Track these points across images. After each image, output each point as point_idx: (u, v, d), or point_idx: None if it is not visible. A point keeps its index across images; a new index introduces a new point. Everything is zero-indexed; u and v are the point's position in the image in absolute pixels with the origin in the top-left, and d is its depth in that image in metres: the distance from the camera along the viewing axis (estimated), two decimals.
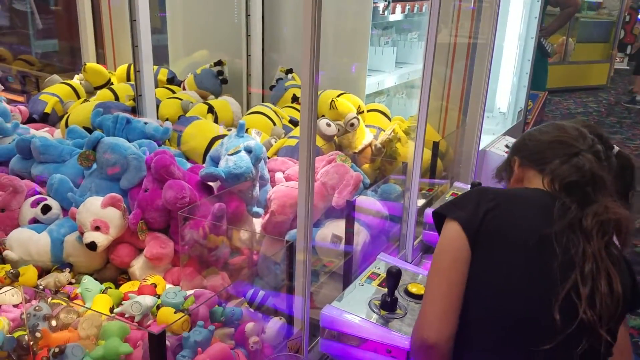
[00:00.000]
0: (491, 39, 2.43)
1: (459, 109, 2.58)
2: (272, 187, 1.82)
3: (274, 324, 1.26)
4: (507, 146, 2.72)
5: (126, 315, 1.25)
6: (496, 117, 3.28)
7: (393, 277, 1.34)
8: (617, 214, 1.15)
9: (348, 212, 1.70)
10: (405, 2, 2.79)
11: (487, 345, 1.15)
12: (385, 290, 1.39)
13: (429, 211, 2.06)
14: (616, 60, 10.59)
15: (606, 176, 1.22)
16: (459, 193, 2.13)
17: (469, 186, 2.05)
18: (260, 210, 1.75)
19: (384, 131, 2.42)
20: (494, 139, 2.80)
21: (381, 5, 2.57)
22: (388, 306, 1.35)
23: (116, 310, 1.29)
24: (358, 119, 2.32)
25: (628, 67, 9.74)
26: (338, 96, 2.45)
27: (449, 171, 2.51)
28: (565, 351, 1.09)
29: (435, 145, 2.29)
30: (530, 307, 1.12)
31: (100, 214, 1.48)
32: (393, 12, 2.72)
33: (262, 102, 2.87)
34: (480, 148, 2.57)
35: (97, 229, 1.48)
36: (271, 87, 2.83)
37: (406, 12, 2.82)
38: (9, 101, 2.48)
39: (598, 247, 1.13)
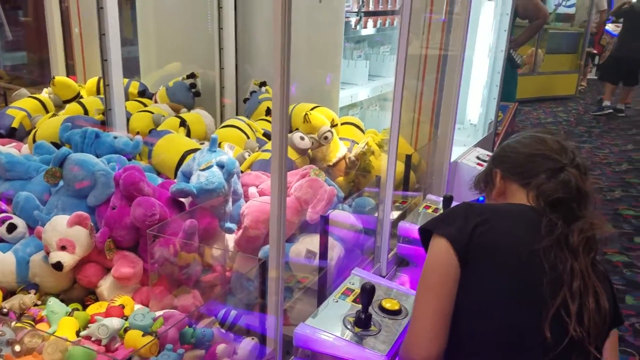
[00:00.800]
0: (461, 51, 2.46)
1: (431, 121, 2.61)
2: (246, 202, 1.81)
3: (246, 345, 1.23)
4: (478, 157, 2.75)
5: (93, 339, 1.22)
6: (467, 128, 3.32)
7: (367, 293, 1.33)
8: (603, 230, 1.17)
9: (322, 226, 1.69)
10: (377, 16, 2.82)
11: None
12: (360, 306, 1.38)
13: (403, 224, 2.06)
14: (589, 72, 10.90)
15: (590, 190, 1.23)
16: (432, 205, 2.15)
17: (441, 199, 2.06)
18: (233, 226, 1.73)
19: (358, 144, 2.43)
20: (466, 151, 2.83)
21: (353, 20, 2.59)
22: (362, 323, 1.34)
23: (82, 333, 1.25)
24: (332, 132, 2.32)
25: (596, 77, 10.02)
26: (312, 109, 2.45)
27: (422, 183, 2.52)
28: None
29: (408, 158, 2.30)
30: (521, 324, 1.13)
31: (66, 233, 1.44)
32: (365, 26, 2.75)
33: (236, 114, 2.86)
34: (452, 160, 2.60)
35: (63, 248, 1.44)
36: (245, 100, 2.82)
37: (378, 26, 2.85)
38: None
39: (585, 264, 1.13)
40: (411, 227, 2.03)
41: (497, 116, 3.49)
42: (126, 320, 1.28)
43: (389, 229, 2.00)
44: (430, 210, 2.12)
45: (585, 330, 1.09)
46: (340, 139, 2.45)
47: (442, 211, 2.00)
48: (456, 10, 2.50)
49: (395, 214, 2.17)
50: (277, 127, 1.17)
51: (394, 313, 1.43)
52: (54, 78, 2.69)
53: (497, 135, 3.67)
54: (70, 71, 3.25)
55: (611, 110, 8.68)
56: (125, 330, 1.23)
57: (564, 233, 1.15)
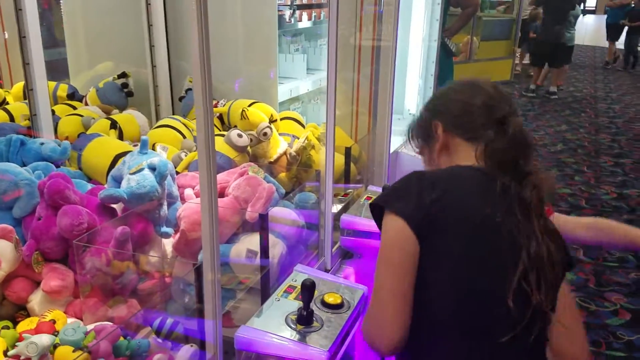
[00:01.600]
0: (393, 41, 2.49)
1: (369, 112, 2.63)
2: (182, 204, 1.76)
3: (185, 352, 1.21)
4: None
5: (22, 358, 1.16)
6: (406, 118, 3.37)
7: (307, 289, 1.33)
8: (549, 181, 1.15)
9: (262, 225, 1.67)
10: (311, 9, 2.81)
11: (445, 342, 1.12)
12: (302, 303, 1.37)
13: (346, 217, 2.07)
14: (523, 60, 11.33)
15: (532, 141, 1.20)
16: (374, 196, 2.16)
17: (382, 189, 2.08)
18: (170, 230, 1.69)
19: (298, 139, 2.42)
20: (405, 140, 2.87)
21: (287, 13, 2.57)
22: (304, 320, 1.34)
23: (10, 353, 1.19)
24: (271, 128, 2.30)
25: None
26: (249, 105, 2.42)
27: (363, 175, 2.54)
28: (524, 337, 1.09)
29: (348, 150, 2.31)
30: (484, 297, 1.10)
31: None
32: (300, 20, 2.73)
33: (172, 114, 2.78)
34: (391, 150, 2.63)
35: None
36: (180, 99, 2.75)
37: (313, 19, 2.84)
38: None
39: (538, 226, 1.10)
40: (353, 220, 2.04)
41: None
42: (57, 336, 1.22)
43: (332, 222, 2.00)
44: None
45: (544, 295, 1.08)
46: (280, 134, 2.44)
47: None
48: (387, 1, 2.52)
49: (338, 207, 2.18)
50: (201, 123, 1.13)
51: (336, 307, 1.43)
52: None
53: None
54: None
55: (535, 93, 9.13)
56: (56, 346, 1.18)
57: (516, 194, 1.11)
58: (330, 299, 1.46)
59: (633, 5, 11.46)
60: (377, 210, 1.18)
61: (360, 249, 2.08)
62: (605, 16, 12.54)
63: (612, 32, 11.94)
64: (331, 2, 1.73)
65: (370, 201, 1.22)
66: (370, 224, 1.97)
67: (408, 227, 1.09)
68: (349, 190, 2.35)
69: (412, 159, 2.67)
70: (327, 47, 1.80)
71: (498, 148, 1.16)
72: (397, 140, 2.81)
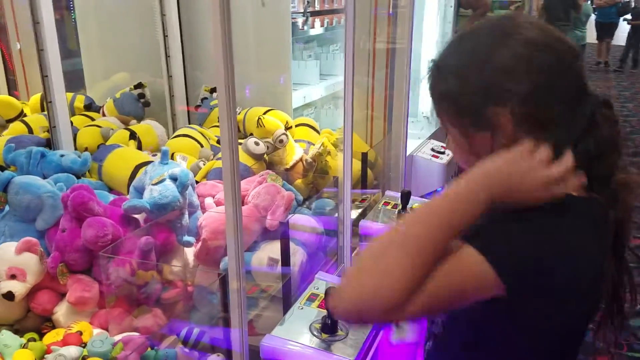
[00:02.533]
0: (408, 44, 2.49)
1: (384, 116, 2.63)
2: (203, 213, 1.77)
3: None
4: (433, 149, 2.79)
5: None
6: (421, 121, 3.37)
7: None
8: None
9: (282, 232, 1.68)
10: (324, 15, 2.82)
11: None
12: (326, 311, 1.37)
13: (364, 222, 2.07)
14: None
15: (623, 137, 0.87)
16: (391, 202, 2.16)
17: (399, 195, 2.08)
18: (192, 239, 1.70)
19: (314, 145, 2.42)
20: (420, 144, 2.87)
21: (300, 21, 2.58)
22: (329, 328, 1.34)
23: None
24: (287, 135, 2.30)
25: None
26: (265, 113, 2.43)
27: (380, 180, 2.54)
28: None
29: (364, 155, 2.31)
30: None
31: (15, 261, 1.38)
32: (312, 26, 2.74)
33: (188, 122, 2.80)
34: (407, 154, 2.63)
35: (13, 277, 1.38)
36: (196, 107, 2.76)
37: (325, 25, 2.85)
38: None
39: (626, 263, 0.89)
40: (372, 225, 2.04)
41: None
42: (85, 347, 1.23)
43: (350, 228, 2.00)
44: (389, 207, 2.14)
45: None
46: (296, 140, 2.44)
47: (400, 207, 2.01)
48: (401, 4, 2.52)
49: (356, 213, 2.18)
50: (225, 134, 1.13)
51: None
52: None
53: None
54: (12, 87, 3.12)
55: None
56: (84, 358, 1.19)
57: (613, 221, 0.84)
58: None
59: (621, 3, 11.04)
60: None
61: None
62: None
63: (604, 32, 11.47)
64: (348, 8, 1.74)
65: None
66: None
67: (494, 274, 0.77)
68: (366, 196, 2.35)
69: (428, 163, 2.67)
70: (344, 54, 1.80)
71: (594, 149, 0.83)
72: (413, 144, 2.80)
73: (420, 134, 3.14)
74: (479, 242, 0.77)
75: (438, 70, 0.90)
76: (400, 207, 2.03)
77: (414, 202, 2.06)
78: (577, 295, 0.82)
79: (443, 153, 2.75)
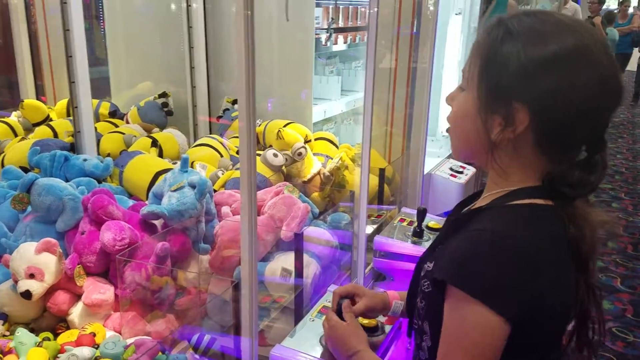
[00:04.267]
0: (430, 63, 2.50)
1: (403, 134, 2.64)
2: (219, 221, 1.79)
3: None
4: (451, 169, 2.78)
5: None
6: (439, 140, 3.37)
7: (342, 312, 1.32)
8: (609, 225, 0.91)
9: (296, 244, 1.68)
10: (347, 32, 2.85)
11: None
12: None
13: (379, 238, 2.07)
14: None
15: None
16: (407, 218, 2.16)
17: (415, 212, 2.07)
18: (207, 247, 1.71)
19: (332, 159, 2.44)
20: (439, 162, 2.87)
21: (323, 37, 2.61)
22: None
23: None
24: (305, 148, 2.32)
25: None
26: (285, 126, 2.46)
27: (397, 196, 2.54)
28: None
29: (382, 171, 2.32)
30: None
31: (34, 260, 1.41)
32: (335, 43, 2.77)
33: (209, 132, 2.84)
34: (425, 172, 2.63)
35: (31, 276, 1.40)
36: (218, 118, 2.81)
37: (348, 42, 2.88)
38: None
39: (594, 280, 0.92)
40: (387, 241, 2.03)
41: None
42: (97, 348, 1.25)
43: (365, 243, 2.00)
44: (405, 224, 2.13)
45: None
46: (315, 154, 2.46)
47: (416, 224, 2.00)
48: (424, 24, 2.54)
49: (371, 228, 2.18)
50: (244, 143, 1.15)
51: (371, 330, 1.42)
52: (22, 101, 2.65)
53: None
54: (39, 92, 3.20)
55: None
56: (96, 359, 1.20)
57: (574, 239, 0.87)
58: (365, 321, 1.44)
59: (636, 32, 9.92)
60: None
61: (393, 271, 2.06)
62: None
63: (618, 62, 10.87)
64: (370, 26, 1.76)
65: (438, 275, 0.89)
66: (403, 246, 1.96)
67: (507, 327, 0.81)
68: (382, 212, 2.35)
69: (446, 182, 2.66)
70: (365, 70, 1.82)
71: (592, 179, 0.85)
72: (431, 162, 2.80)
73: (439, 153, 3.14)
74: (473, 286, 0.80)
75: (506, 32, 0.84)
76: (415, 224, 2.02)
77: (430, 219, 2.05)
78: (563, 310, 0.87)
79: (461, 172, 2.74)
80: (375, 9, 1.82)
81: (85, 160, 1.96)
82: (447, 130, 0.97)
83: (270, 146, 2.36)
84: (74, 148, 2.16)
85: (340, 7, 2.73)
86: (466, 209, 1.01)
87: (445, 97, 0.97)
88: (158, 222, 1.65)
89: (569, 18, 0.85)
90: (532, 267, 0.81)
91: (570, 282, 0.88)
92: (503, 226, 0.84)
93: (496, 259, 0.81)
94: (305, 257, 1.71)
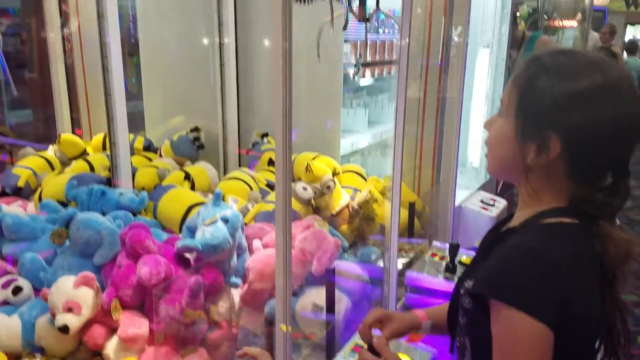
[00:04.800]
0: (459, 94, 2.51)
1: (433, 166, 2.63)
2: (250, 255, 1.80)
3: None
4: (482, 201, 2.75)
5: None
6: (469, 171, 3.34)
7: (375, 352, 1.30)
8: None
9: (328, 279, 1.68)
10: (375, 66, 2.89)
11: None
12: None
13: (410, 273, 2.05)
14: None
15: None
16: (438, 253, 2.14)
17: (447, 246, 2.05)
18: (239, 281, 1.73)
19: (361, 192, 2.44)
20: (469, 195, 2.84)
21: (351, 71, 2.65)
22: None
23: None
24: (334, 182, 2.33)
25: None
26: (313, 159, 2.48)
27: (427, 230, 2.52)
28: None
29: (412, 205, 2.31)
30: None
31: (72, 294, 1.44)
32: (363, 76, 2.81)
33: (239, 166, 2.89)
34: (456, 204, 2.61)
35: (69, 310, 1.43)
36: (248, 151, 2.85)
37: (376, 75, 2.91)
38: None
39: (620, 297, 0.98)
40: (418, 276, 2.01)
41: None
42: None
43: (396, 278, 1.98)
44: (437, 258, 2.11)
45: None
46: (343, 187, 2.47)
47: (448, 259, 1.98)
48: (453, 55, 2.56)
49: (402, 263, 2.16)
50: (280, 176, 1.17)
51: None
52: (60, 136, 2.73)
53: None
54: (75, 124, 3.29)
55: None
56: None
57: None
58: (404, 357, 1.43)
59: None
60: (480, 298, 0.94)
61: (425, 307, 2.03)
62: None
63: None
64: (401, 58, 1.78)
65: (485, 290, 0.93)
66: (435, 282, 1.94)
67: (551, 336, 0.87)
68: (413, 245, 2.33)
69: (477, 214, 2.64)
70: (396, 102, 1.83)
71: (614, 205, 0.94)
72: (461, 194, 2.78)
73: (469, 185, 3.11)
74: (513, 297, 0.87)
75: (541, 68, 0.92)
76: (447, 259, 2.00)
77: (463, 254, 2.03)
78: (593, 320, 0.93)
79: (493, 205, 2.71)
80: (406, 41, 1.84)
81: (121, 194, 2.01)
82: (486, 154, 1.05)
83: (299, 179, 2.39)
84: (110, 182, 2.21)
85: (368, 42, 2.78)
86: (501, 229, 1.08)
87: (483, 124, 1.06)
88: (191, 256, 1.67)
89: (598, 57, 0.94)
90: (564, 277, 0.88)
91: (597, 295, 0.94)
92: (536, 242, 0.92)
93: (531, 270, 0.88)
94: (336, 292, 1.71)
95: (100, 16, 2.01)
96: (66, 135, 2.80)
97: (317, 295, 1.70)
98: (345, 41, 2.61)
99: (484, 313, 0.92)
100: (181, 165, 2.58)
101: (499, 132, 0.98)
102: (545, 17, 4.18)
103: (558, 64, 0.92)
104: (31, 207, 2.20)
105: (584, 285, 0.91)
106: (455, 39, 2.58)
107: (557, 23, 4.52)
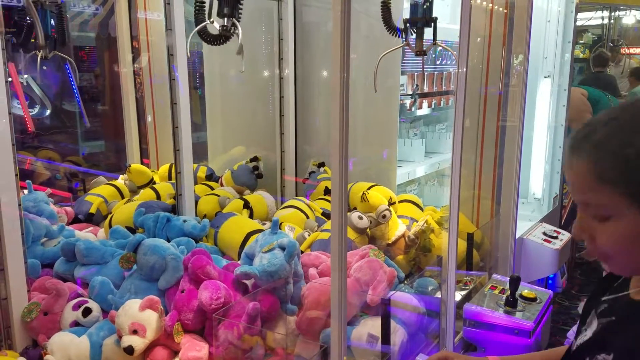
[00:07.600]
0: (520, 122, 2.46)
1: (492, 197, 2.57)
2: (306, 283, 1.83)
3: None
4: (544, 233, 2.66)
5: None
6: (531, 203, 3.24)
7: None
8: None
9: (383, 309, 1.67)
10: (431, 97, 2.89)
11: None
12: None
13: (469, 306, 2.00)
14: None
15: None
16: (498, 286, 2.08)
17: (508, 279, 2.00)
18: (295, 308, 1.75)
19: (417, 222, 2.42)
20: (531, 227, 2.75)
21: (408, 102, 2.67)
22: None
23: None
24: (390, 211, 2.33)
25: None
26: (369, 188, 2.49)
27: (486, 262, 2.45)
28: None
29: (470, 236, 2.27)
30: None
31: (138, 317, 1.51)
32: (420, 107, 2.82)
33: (296, 194, 2.95)
34: (517, 236, 2.53)
35: (134, 332, 1.49)
36: (304, 180, 2.91)
37: (433, 106, 2.92)
38: (57, 200, 2.61)
39: None
40: (477, 310, 1.96)
41: (562, 189, 3.40)
42: None
43: (454, 311, 1.94)
44: (496, 292, 2.06)
45: None
46: (399, 216, 2.46)
47: (508, 292, 1.92)
48: (512, 83, 2.53)
49: (460, 295, 2.12)
50: (336, 204, 1.19)
51: None
52: (129, 166, 2.90)
53: (564, 208, 3.55)
54: (144, 154, 3.47)
55: None
56: None
57: None
58: None
59: None
60: None
61: (485, 342, 1.97)
62: None
63: None
64: (459, 88, 1.78)
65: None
66: (496, 316, 1.89)
67: None
68: (471, 278, 2.28)
69: (539, 247, 2.55)
70: (453, 132, 1.83)
71: None
72: (522, 226, 2.70)
73: (531, 216, 3.02)
74: None
75: (623, 143, 0.80)
76: (508, 292, 1.94)
77: (524, 288, 1.96)
78: None
79: (556, 238, 2.61)
80: (464, 69, 1.85)
81: (185, 221, 2.10)
82: (601, 258, 0.91)
83: (355, 208, 2.40)
84: (175, 209, 2.32)
85: (426, 73, 2.80)
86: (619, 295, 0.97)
87: (573, 231, 0.94)
88: (249, 282, 1.71)
89: None
90: None
91: None
92: None
93: None
94: (392, 323, 1.69)
95: (170, 53, 2.15)
96: (136, 165, 2.97)
97: (372, 326, 1.70)
98: (402, 73, 2.64)
99: None
100: (241, 193, 2.66)
101: (624, 233, 0.84)
102: (611, 44, 4.06)
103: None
104: (101, 232, 2.33)
105: None
106: (516, 67, 2.54)
107: (623, 51, 4.36)
